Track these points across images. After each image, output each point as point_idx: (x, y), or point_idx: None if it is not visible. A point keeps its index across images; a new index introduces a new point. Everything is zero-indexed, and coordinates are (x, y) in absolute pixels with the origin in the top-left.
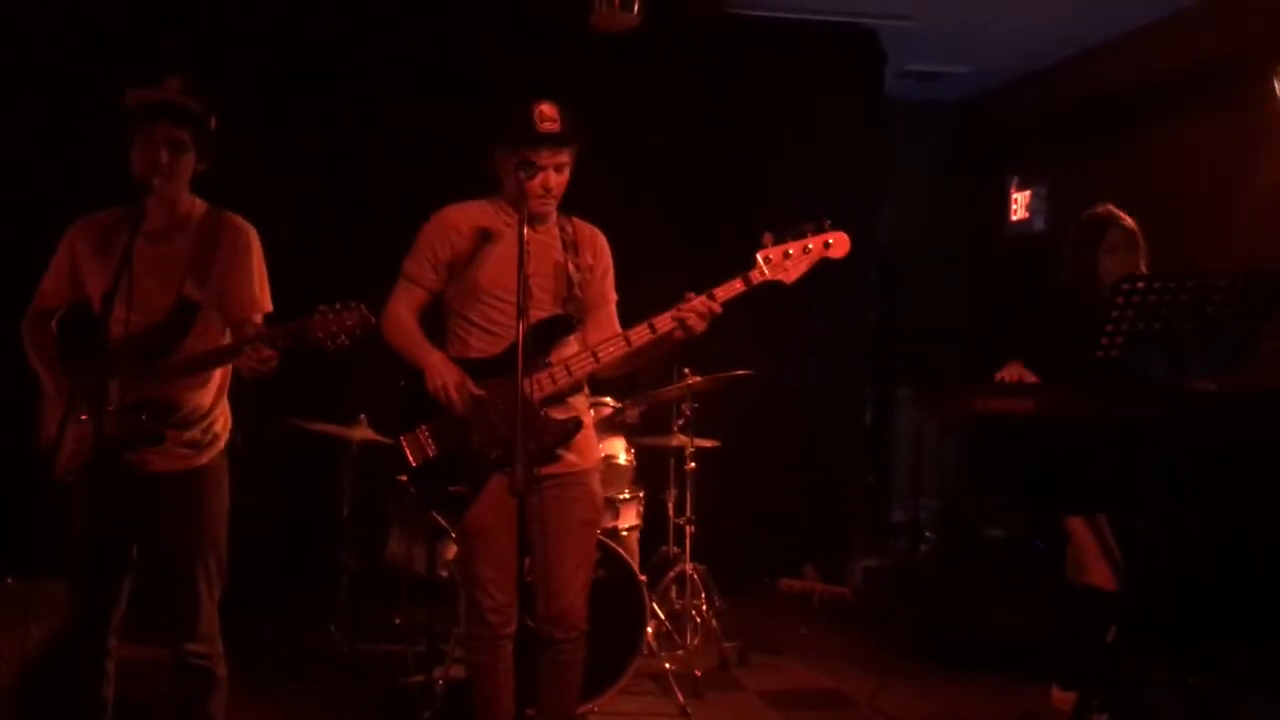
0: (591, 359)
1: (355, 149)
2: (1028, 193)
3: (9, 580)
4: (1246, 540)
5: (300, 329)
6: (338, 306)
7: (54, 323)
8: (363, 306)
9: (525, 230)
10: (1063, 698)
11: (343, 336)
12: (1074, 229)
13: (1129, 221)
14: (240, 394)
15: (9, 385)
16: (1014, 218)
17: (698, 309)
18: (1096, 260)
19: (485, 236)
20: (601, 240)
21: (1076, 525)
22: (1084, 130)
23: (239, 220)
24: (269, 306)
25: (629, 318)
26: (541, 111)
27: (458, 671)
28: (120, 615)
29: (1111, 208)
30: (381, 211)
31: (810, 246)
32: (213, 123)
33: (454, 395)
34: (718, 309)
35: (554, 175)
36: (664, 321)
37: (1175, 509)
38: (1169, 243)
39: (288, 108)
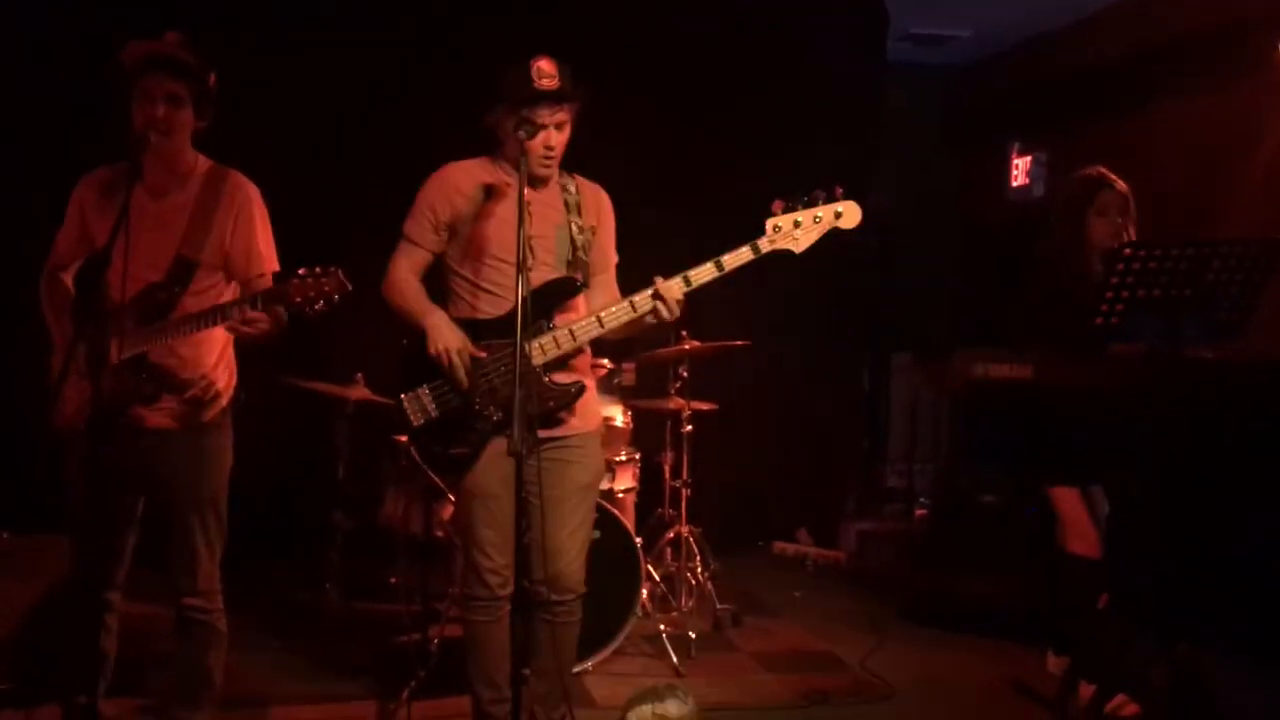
0: (597, 323)
1: (355, 108)
2: (1028, 158)
3: (5, 535)
4: (1238, 509)
5: (279, 293)
6: (316, 271)
7: (70, 279)
8: (340, 272)
9: (527, 191)
10: (1057, 663)
11: (320, 302)
12: (1064, 190)
13: (1121, 184)
14: (238, 351)
15: (14, 342)
16: (1014, 184)
17: (660, 303)
18: (1086, 223)
19: (485, 196)
20: (605, 199)
21: (1062, 494)
22: (1086, 97)
23: (240, 177)
24: (275, 265)
25: (634, 283)
26: (540, 68)
27: (452, 631)
28: (123, 571)
29: (1104, 169)
30: (381, 171)
31: (820, 215)
32: (212, 79)
33: (454, 360)
34: (679, 297)
35: (555, 134)
36: (674, 286)
37: (1167, 477)
38: (1170, 211)
39: (287, 66)
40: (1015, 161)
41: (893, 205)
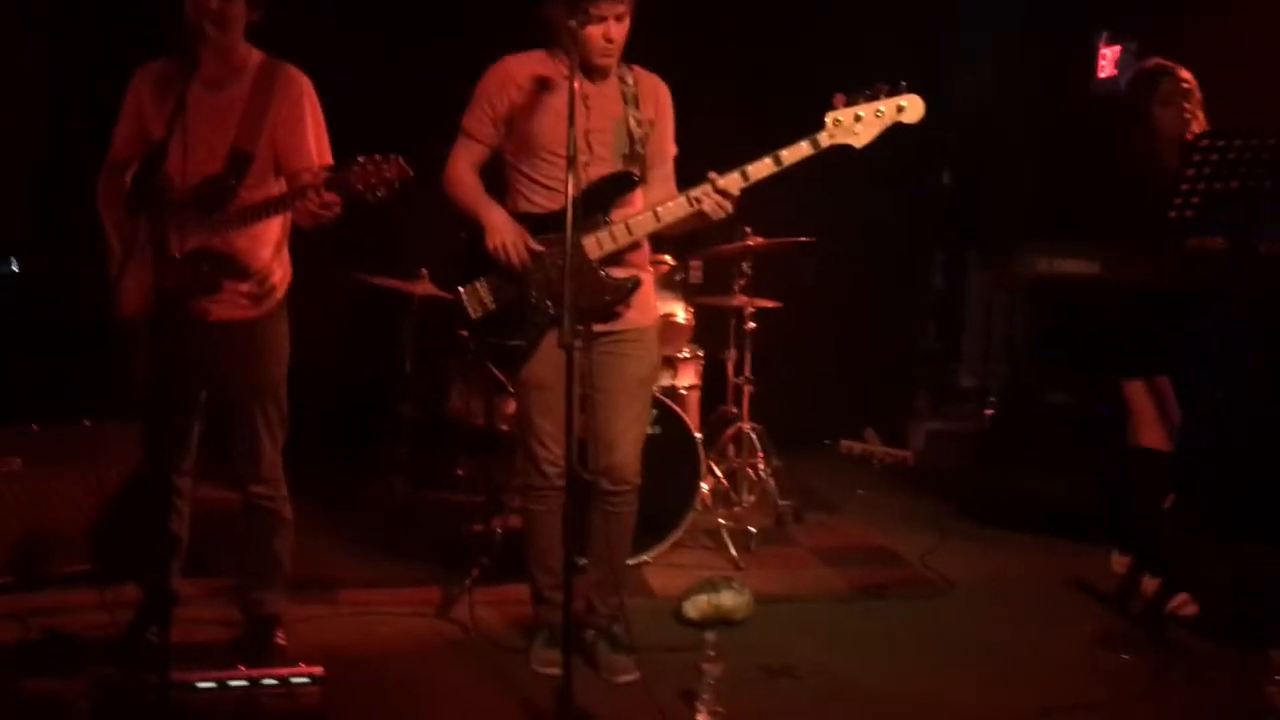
0: (653, 218)
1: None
2: (1117, 48)
3: (86, 422)
4: None
5: (340, 180)
6: (377, 158)
7: (129, 176)
8: (400, 159)
9: (584, 84)
10: (1121, 561)
11: (382, 188)
12: (1128, 84)
13: (1185, 73)
14: (305, 247)
15: (81, 236)
16: (1101, 75)
17: (717, 199)
18: (1151, 113)
19: (542, 87)
20: (664, 91)
21: (1134, 389)
22: None
23: (293, 71)
24: (329, 158)
25: (694, 177)
26: None
27: (515, 521)
28: (191, 457)
29: (1163, 60)
30: (441, 63)
31: (882, 110)
32: None
33: (512, 254)
34: (735, 192)
35: (614, 25)
36: (731, 181)
37: (1238, 373)
38: (1267, 106)
39: None
40: (1103, 51)
41: (972, 98)
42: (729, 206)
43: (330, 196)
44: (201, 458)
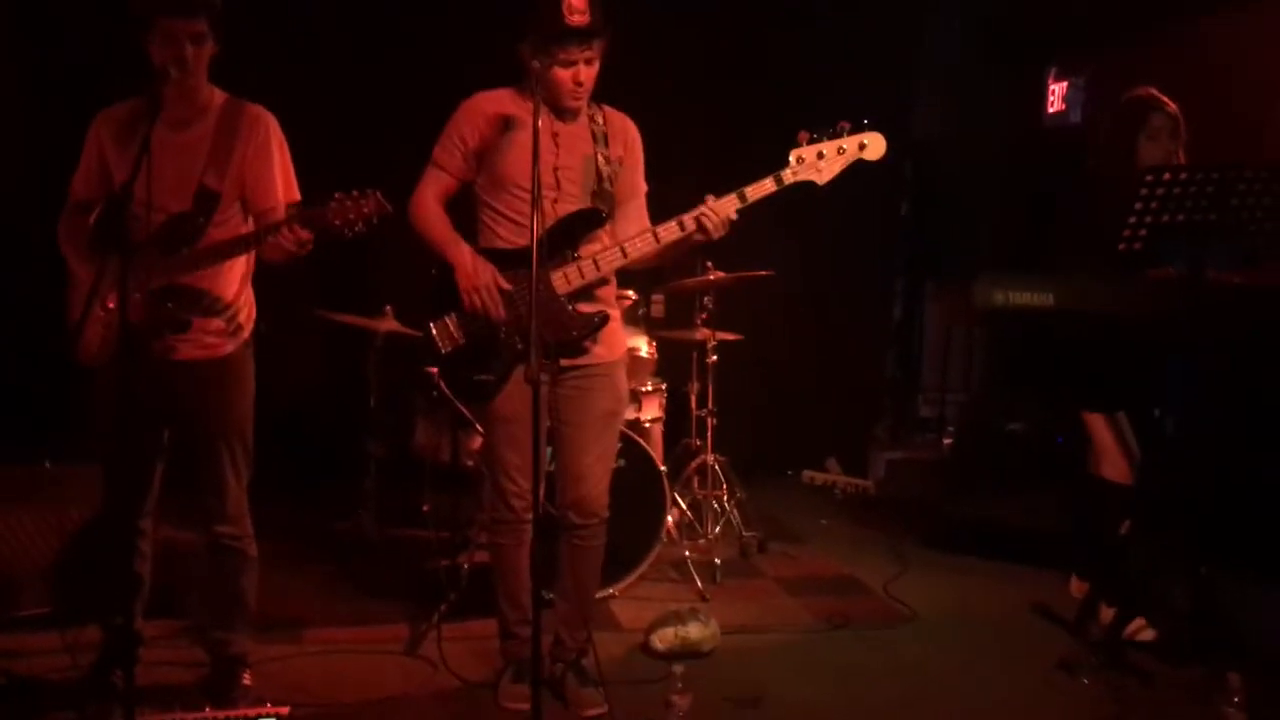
0: (620, 254)
1: (384, 35)
2: (1065, 84)
3: (47, 464)
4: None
5: (317, 216)
6: (354, 194)
7: (91, 218)
8: (379, 194)
9: (555, 122)
10: (1079, 587)
11: (360, 224)
12: (1113, 113)
13: (1172, 106)
14: (268, 284)
15: (47, 279)
16: (1051, 109)
17: (714, 219)
18: (1136, 146)
19: (510, 125)
20: (633, 130)
21: (1094, 420)
22: (1125, 20)
23: (258, 109)
24: (296, 195)
25: (659, 214)
26: (570, 4)
27: (481, 557)
28: (154, 499)
29: (1154, 90)
30: (407, 102)
31: (845, 147)
32: (219, 2)
33: (484, 297)
34: (733, 216)
35: (584, 69)
36: (691, 220)
37: (1195, 403)
38: (1213, 137)
39: None
40: (1052, 87)
41: (932, 131)
42: (723, 228)
43: (304, 234)
44: (162, 497)
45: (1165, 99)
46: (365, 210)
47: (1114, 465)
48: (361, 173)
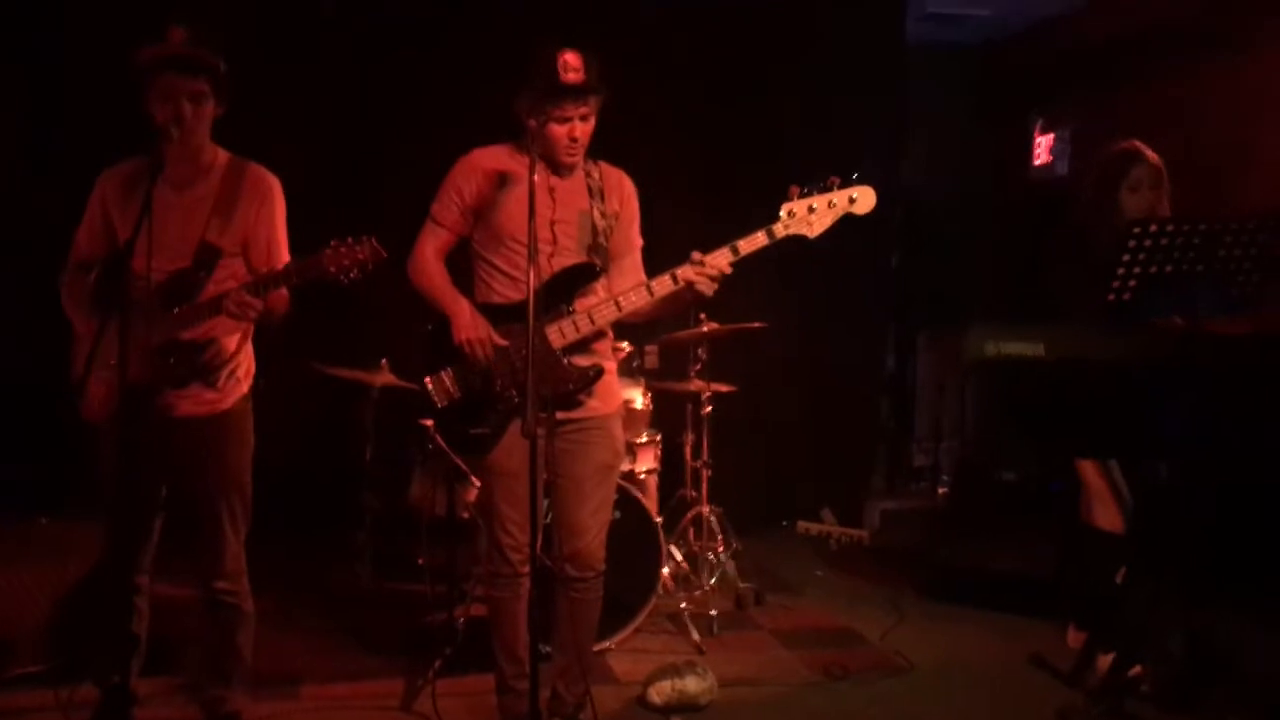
0: (614, 307)
1: (378, 95)
2: (1051, 136)
3: (43, 520)
4: (1256, 482)
5: (313, 264)
6: (350, 240)
7: (93, 275)
8: (374, 240)
9: (551, 177)
10: (1076, 638)
11: (355, 270)
12: (1096, 165)
13: (1154, 157)
14: (265, 339)
15: (47, 334)
16: (1037, 162)
17: (708, 273)
18: (1119, 198)
19: (507, 181)
20: (629, 185)
21: (1087, 468)
22: (1108, 74)
23: (262, 170)
24: (286, 257)
25: (653, 266)
26: (566, 61)
27: (478, 610)
28: (151, 555)
29: (1137, 143)
30: (403, 157)
31: (835, 201)
32: (223, 66)
33: (479, 352)
34: (727, 269)
35: (579, 125)
36: (686, 272)
37: (1188, 451)
38: (1195, 187)
39: (307, 53)
40: (1038, 140)
41: (922, 184)
42: (716, 283)
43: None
44: (158, 553)
45: (1148, 151)
46: (360, 256)
47: (1107, 512)
48: (357, 226)
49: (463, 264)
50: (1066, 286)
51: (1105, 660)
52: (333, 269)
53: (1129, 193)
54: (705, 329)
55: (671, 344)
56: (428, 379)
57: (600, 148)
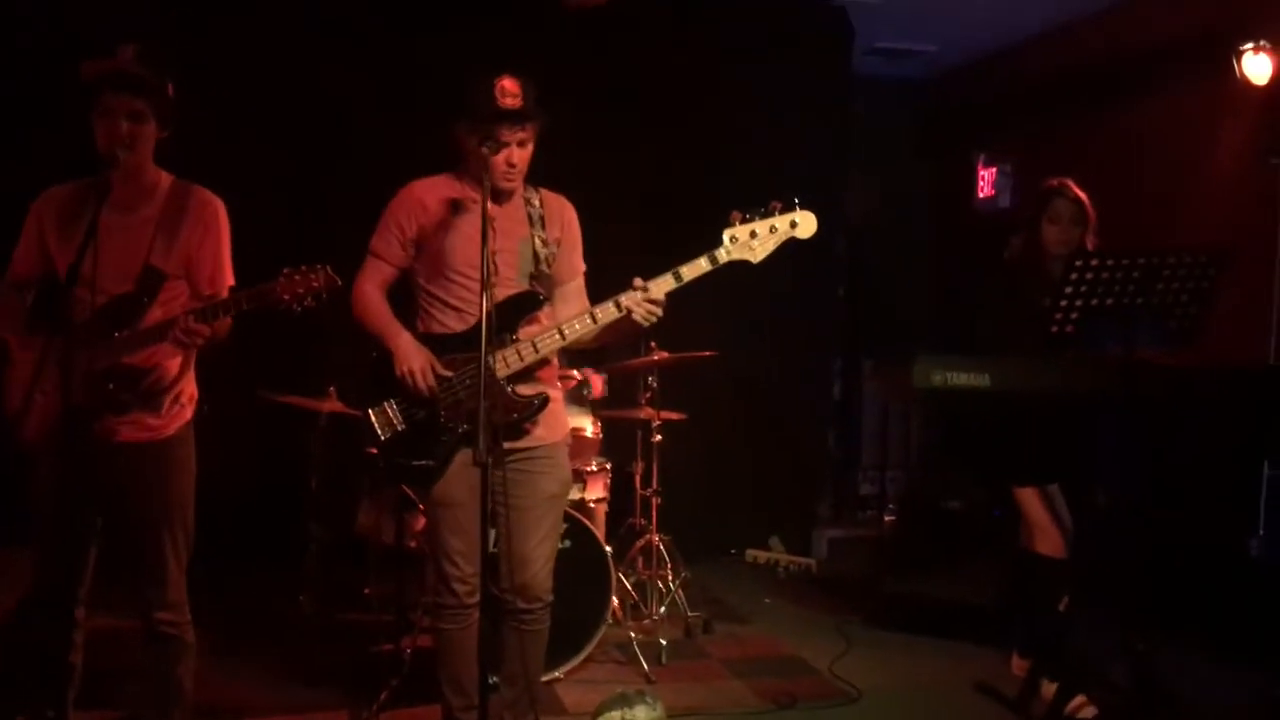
0: (558, 336)
1: (318, 125)
2: (994, 169)
3: None
4: (1194, 510)
5: (266, 291)
6: (304, 269)
7: (30, 297)
8: (328, 269)
9: (490, 205)
10: (1021, 664)
11: (309, 298)
12: (1028, 201)
13: (1077, 193)
14: (210, 364)
15: None
16: (980, 194)
17: (652, 296)
18: (1039, 229)
19: (450, 211)
20: (570, 211)
21: (1025, 496)
22: (1050, 108)
23: (207, 193)
24: (231, 280)
25: (597, 293)
26: (503, 87)
27: (425, 640)
28: (87, 585)
29: (1066, 180)
30: (346, 187)
31: (776, 226)
32: (170, 89)
33: (420, 382)
34: (662, 297)
35: (517, 151)
36: (627, 300)
37: (1126, 479)
38: (1135, 219)
39: (249, 79)
40: (981, 173)
41: (866, 214)
42: (658, 311)
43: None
44: (94, 584)
45: (1073, 186)
46: (314, 284)
47: (1048, 539)
48: (305, 253)
49: (403, 296)
50: (1004, 319)
51: (1050, 688)
52: (286, 297)
53: (1049, 224)
54: (655, 357)
55: (621, 371)
56: (370, 411)
57: (541, 174)
